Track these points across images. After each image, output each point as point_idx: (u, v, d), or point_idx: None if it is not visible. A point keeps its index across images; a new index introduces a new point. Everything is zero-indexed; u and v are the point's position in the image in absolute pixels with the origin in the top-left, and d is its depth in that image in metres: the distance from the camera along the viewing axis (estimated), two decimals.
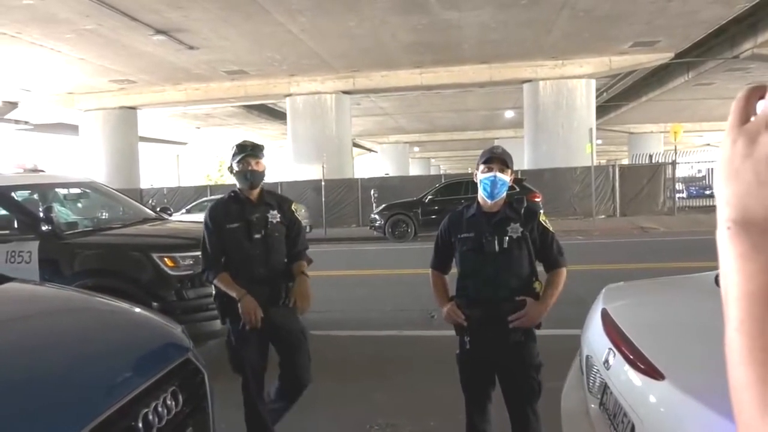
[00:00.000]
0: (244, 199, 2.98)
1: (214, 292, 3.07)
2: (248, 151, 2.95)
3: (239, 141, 3.08)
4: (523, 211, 2.62)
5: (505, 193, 2.58)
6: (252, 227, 2.92)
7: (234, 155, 2.95)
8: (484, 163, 2.55)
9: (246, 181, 2.96)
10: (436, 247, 2.78)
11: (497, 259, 2.53)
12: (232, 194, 3.03)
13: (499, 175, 2.52)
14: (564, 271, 2.63)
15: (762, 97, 0.47)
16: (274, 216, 2.98)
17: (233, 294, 2.86)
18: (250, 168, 2.93)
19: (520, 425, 2.57)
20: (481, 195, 2.59)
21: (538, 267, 2.66)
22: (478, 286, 2.58)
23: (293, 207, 3.14)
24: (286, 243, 3.04)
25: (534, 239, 2.59)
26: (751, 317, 0.44)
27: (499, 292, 2.54)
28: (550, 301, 2.56)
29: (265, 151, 3.06)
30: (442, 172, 48.06)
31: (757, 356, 0.43)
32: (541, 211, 2.71)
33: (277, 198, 3.13)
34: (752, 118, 0.47)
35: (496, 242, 2.53)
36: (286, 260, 3.05)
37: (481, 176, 2.56)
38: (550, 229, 2.65)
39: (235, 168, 2.95)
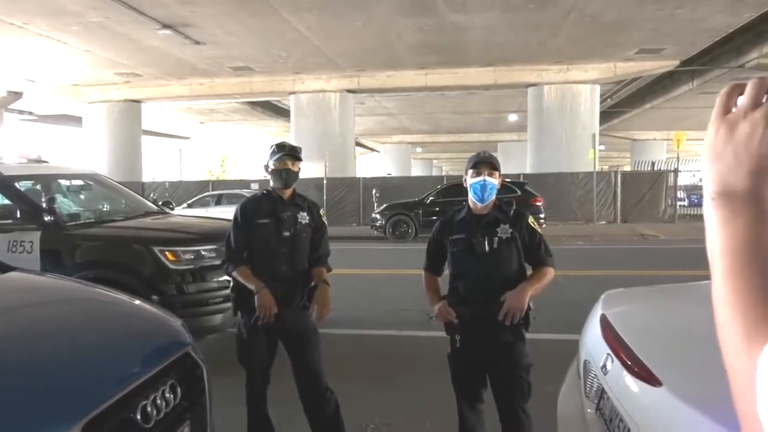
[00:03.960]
0: (277, 198, 3.03)
1: (231, 284, 3.11)
2: (287, 151, 3.01)
3: (278, 142, 3.15)
4: (512, 213, 2.69)
5: (494, 196, 2.65)
6: (282, 225, 2.97)
7: (272, 154, 3.01)
8: (473, 167, 2.62)
9: (281, 180, 3.00)
10: (429, 250, 2.84)
11: (487, 259, 2.59)
12: (265, 192, 3.09)
13: (488, 179, 2.59)
14: (551, 270, 2.67)
15: (742, 94, 0.56)
16: (303, 217, 3.04)
17: (251, 287, 2.87)
18: (286, 167, 2.99)
19: (512, 425, 2.60)
20: (471, 199, 2.66)
21: (528, 270, 2.69)
22: (469, 285, 2.63)
23: (321, 212, 3.18)
24: (310, 245, 3.07)
25: (523, 239, 2.64)
26: (734, 266, 0.55)
27: (489, 291, 2.57)
28: (530, 287, 2.57)
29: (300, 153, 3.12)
30: (444, 173, 48.06)
31: (740, 294, 0.53)
32: (529, 215, 2.76)
33: (308, 201, 3.18)
34: (733, 110, 0.57)
35: (486, 242, 2.58)
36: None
37: (470, 181, 2.62)
38: (538, 230, 2.71)
39: (272, 166, 3.00)
